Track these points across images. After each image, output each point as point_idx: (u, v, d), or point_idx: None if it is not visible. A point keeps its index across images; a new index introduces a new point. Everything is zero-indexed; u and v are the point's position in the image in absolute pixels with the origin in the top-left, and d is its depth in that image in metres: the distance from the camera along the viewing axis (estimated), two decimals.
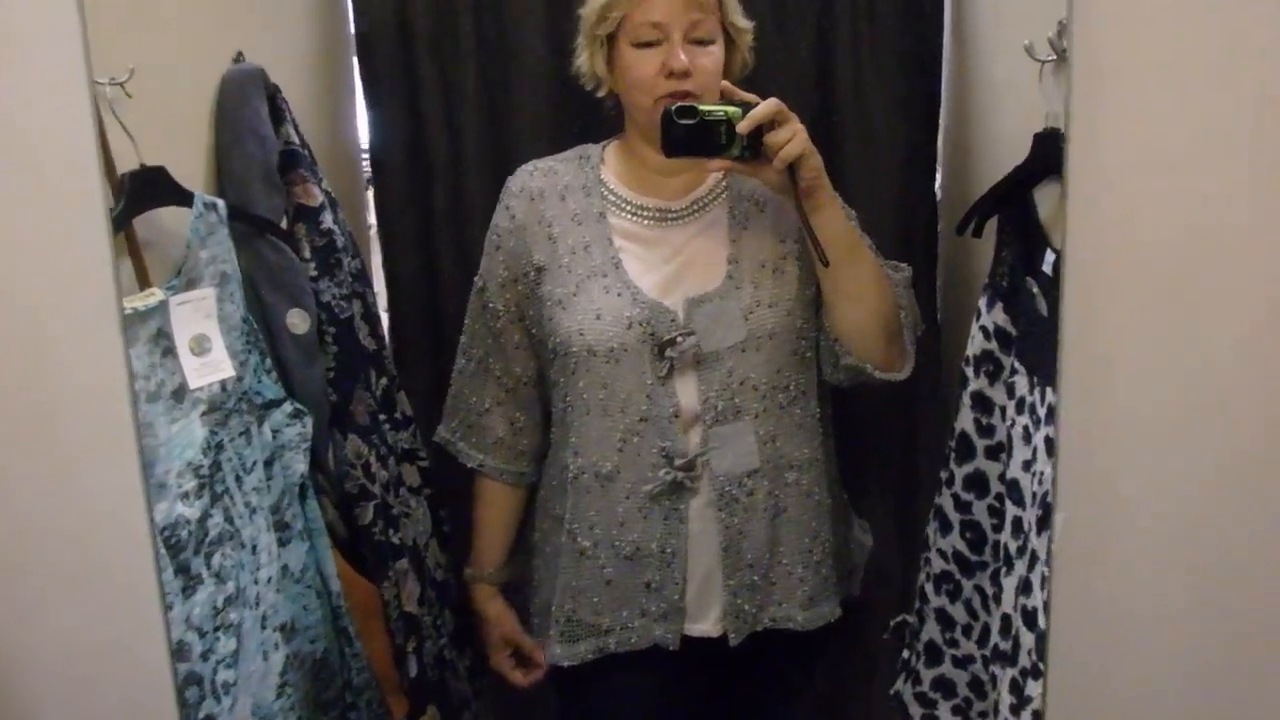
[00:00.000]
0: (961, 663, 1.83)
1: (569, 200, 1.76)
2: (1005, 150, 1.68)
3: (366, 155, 2.20)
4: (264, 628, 1.51)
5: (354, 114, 2.20)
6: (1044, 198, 1.57)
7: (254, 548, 1.51)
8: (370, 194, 2.19)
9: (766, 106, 1.54)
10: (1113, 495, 1.34)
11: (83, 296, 1.31)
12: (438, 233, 2.15)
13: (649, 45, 1.63)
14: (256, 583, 1.50)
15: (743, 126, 1.54)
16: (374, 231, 2.19)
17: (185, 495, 1.40)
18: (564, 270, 1.72)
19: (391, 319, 2.19)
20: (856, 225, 1.75)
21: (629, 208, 1.74)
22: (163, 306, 1.42)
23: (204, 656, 1.40)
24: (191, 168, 1.57)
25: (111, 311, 1.29)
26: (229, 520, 1.47)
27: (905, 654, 1.94)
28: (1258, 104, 1.26)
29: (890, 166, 2.11)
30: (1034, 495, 1.48)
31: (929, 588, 1.85)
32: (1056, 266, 1.46)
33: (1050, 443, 1.43)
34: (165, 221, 1.47)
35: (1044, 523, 1.43)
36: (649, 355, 1.66)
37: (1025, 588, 1.48)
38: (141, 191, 1.41)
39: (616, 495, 1.69)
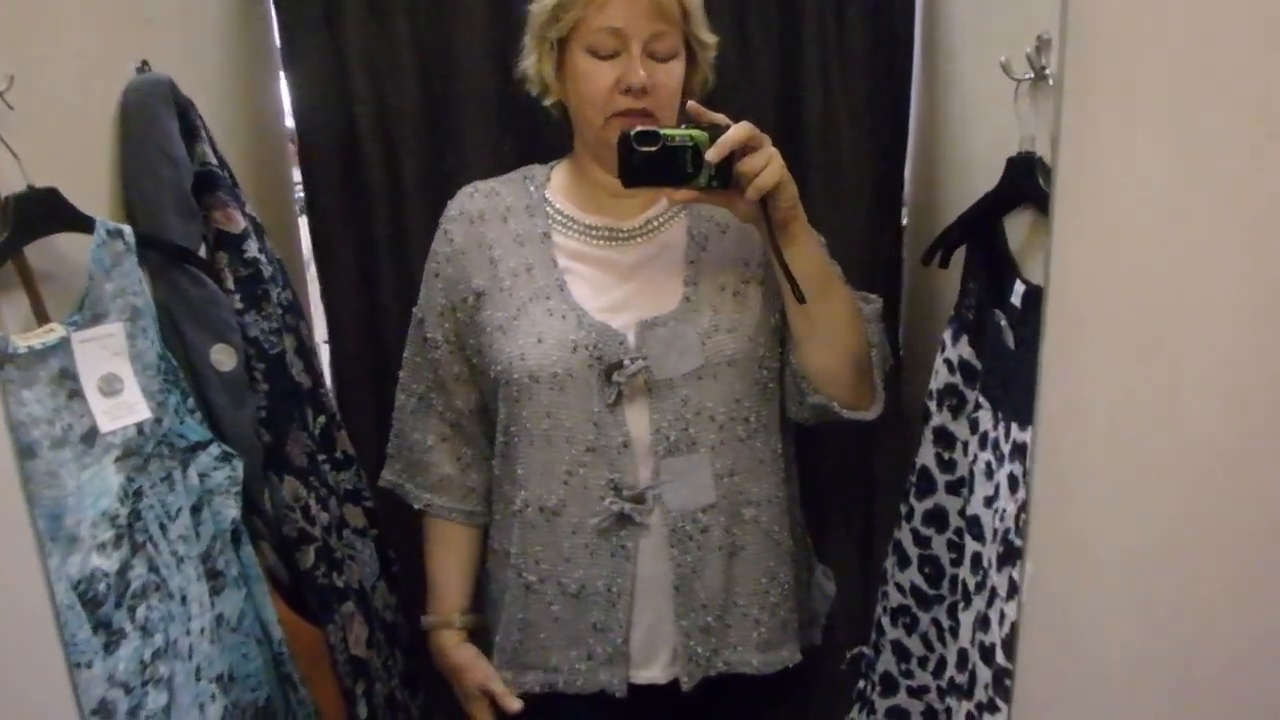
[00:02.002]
0: (916, 693, 1.80)
1: (511, 222, 1.66)
2: (975, 176, 1.62)
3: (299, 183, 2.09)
4: (199, 679, 1.40)
5: (284, 136, 2.10)
6: (1015, 226, 1.51)
7: (183, 598, 1.40)
8: (304, 221, 2.09)
9: (738, 131, 1.42)
10: (1084, 542, 1.25)
11: None
12: (379, 262, 2.07)
13: (605, 56, 1.52)
14: (189, 634, 1.40)
15: (712, 154, 1.40)
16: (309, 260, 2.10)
17: (101, 546, 1.29)
18: (505, 294, 1.62)
19: (332, 353, 2.10)
20: (826, 253, 1.65)
21: (576, 227, 1.64)
22: (64, 344, 1.30)
23: (131, 714, 1.28)
24: (91, 190, 1.44)
25: None
26: (153, 570, 1.36)
27: (861, 684, 1.91)
28: (1258, 129, 1.13)
29: (856, 193, 2.03)
30: (995, 531, 1.43)
31: (885, 621, 1.82)
32: (1026, 298, 1.41)
33: (1014, 480, 1.38)
34: (64, 250, 1.36)
35: (1005, 559, 1.38)
36: (596, 381, 1.55)
37: (983, 623, 1.43)
38: (30, 217, 1.29)
39: (563, 530, 1.60)
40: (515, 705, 1.70)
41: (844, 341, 1.58)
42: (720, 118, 1.44)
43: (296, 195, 2.13)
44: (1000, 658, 1.37)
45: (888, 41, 1.98)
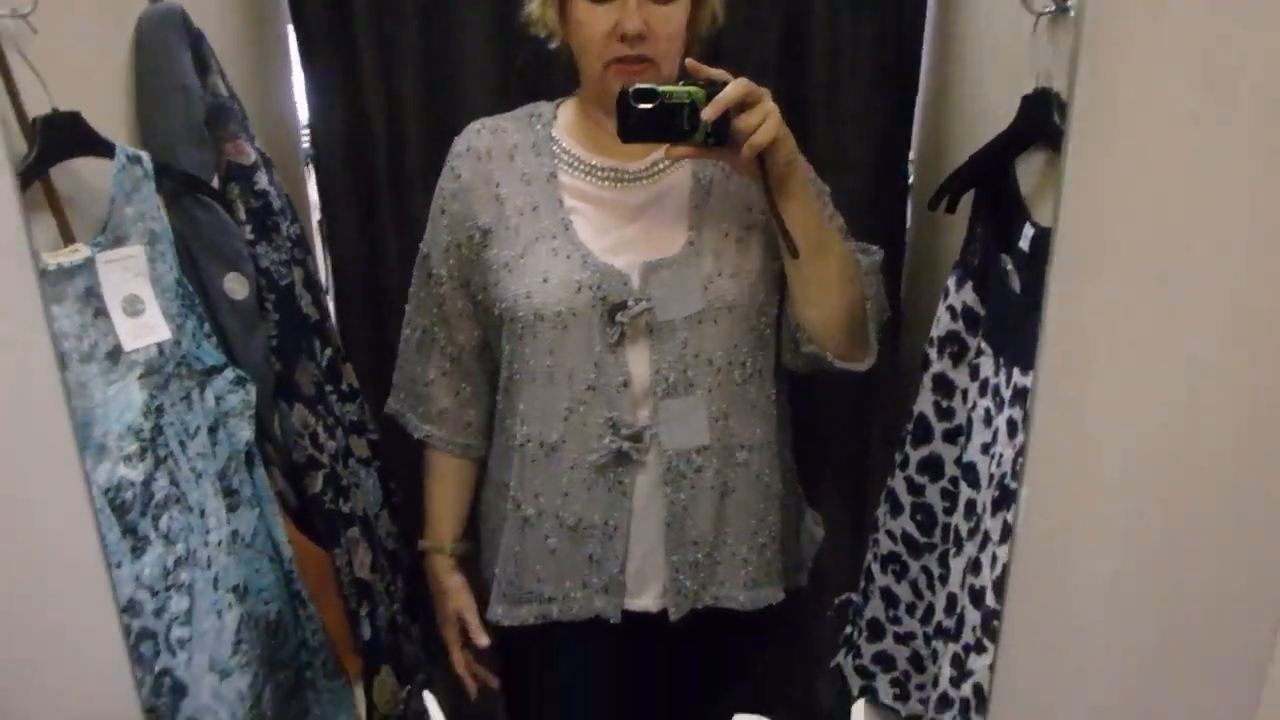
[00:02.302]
0: (903, 639, 1.83)
1: (518, 160, 1.67)
2: (986, 120, 1.60)
3: (306, 130, 2.11)
4: (216, 588, 1.46)
5: (289, 82, 2.12)
6: (1026, 169, 1.50)
7: (202, 512, 1.45)
8: (310, 168, 2.12)
9: (734, 89, 1.41)
10: (1080, 478, 1.28)
11: None
12: (381, 204, 2.09)
13: (603, 1, 1.50)
14: (206, 545, 1.45)
15: (707, 113, 1.41)
16: (315, 204, 2.13)
17: (127, 458, 1.35)
18: (511, 233, 1.63)
19: (337, 294, 2.13)
20: (829, 202, 1.68)
21: (582, 167, 1.64)
22: (89, 264, 1.35)
23: (157, 614, 1.36)
24: (110, 116, 1.47)
25: (27, 265, 1.19)
26: (175, 484, 1.41)
27: (848, 630, 1.95)
28: None
29: (862, 138, 2.02)
30: (991, 477, 1.45)
31: (875, 568, 1.84)
32: (1036, 242, 1.41)
33: (1012, 425, 1.40)
34: (86, 175, 1.40)
35: (1000, 503, 1.40)
36: (599, 321, 1.57)
37: (974, 567, 1.45)
38: (56, 139, 1.33)
39: (561, 465, 1.63)
40: (483, 641, 1.79)
41: (839, 296, 1.59)
42: (719, 73, 1.43)
43: (303, 133, 2.15)
44: (990, 599, 1.39)
45: None
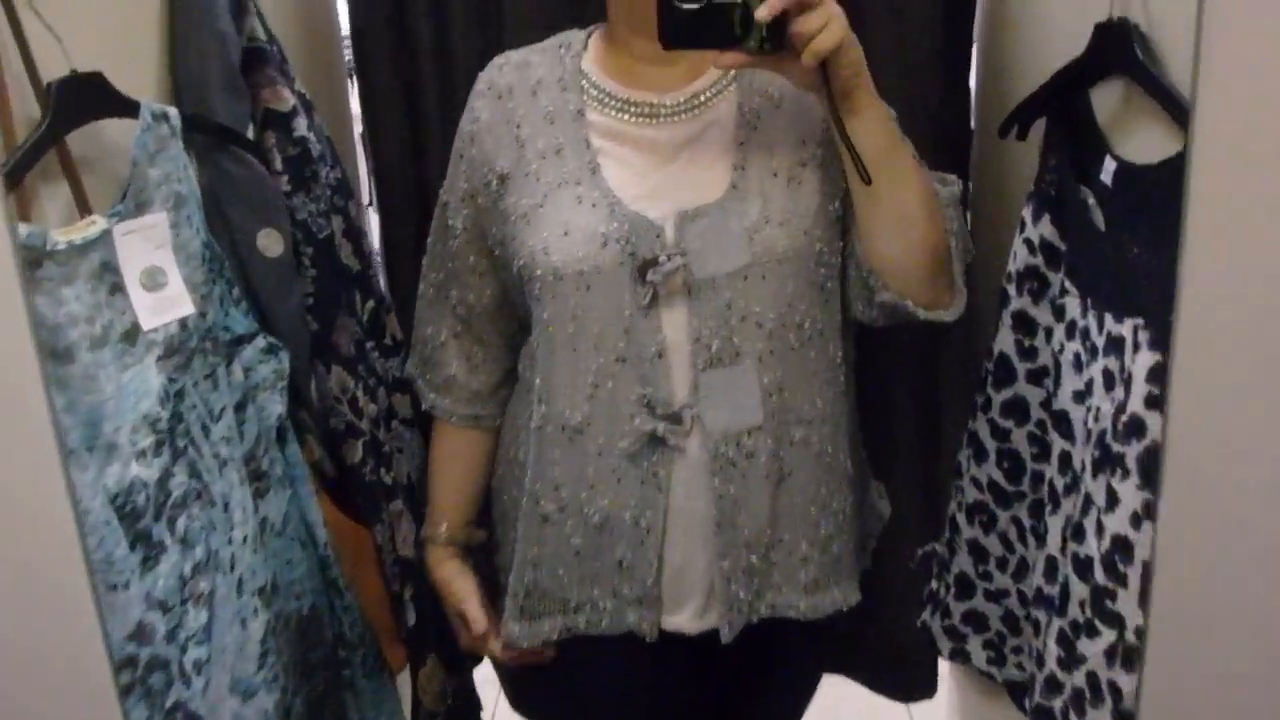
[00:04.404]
0: (995, 596, 1.70)
1: (541, 96, 1.48)
2: (1052, 43, 1.48)
3: (348, 41, 2.00)
4: (241, 593, 1.34)
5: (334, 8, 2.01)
6: (1103, 97, 1.37)
7: (226, 505, 1.34)
8: (354, 86, 2.00)
9: None
10: (1227, 479, 1.10)
11: None
12: (429, 128, 1.95)
13: None
14: (230, 543, 1.33)
15: (762, 13, 1.20)
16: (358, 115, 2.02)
17: (141, 454, 1.22)
18: (531, 178, 1.45)
19: (382, 226, 2.02)
20: (897, 128, 1.44)
21: (613, 103, 1.45)
22: (106, 237, 1.22)
23: (169, 637, 1.22)
24: (136, 72, 1.35)
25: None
26: (195, 477, 1.30)
27: (934, 585, 1.82)
28: None
29: (920, 60, 1.85)
30: (1089, 432, 1.31)
31: (961, 518, 1.71)
32: (1119, 176, 1.28)
33: (1109, 376, 1.25)
34: (107, 136, 1.27)
35: (1102, 464, 1.26)
36: (628, 280, 1.38)
37: (1077, 533, 1.31)
38: (74, 103, 1.19)
39: (586, 452, 1.44)
40: (480, 626, 1.61)
41: (918, 228, 1.38)
42: None
43: (348, 62, 2.04)
44: (1100, 575, 1.26)
45: None
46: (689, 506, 1.43)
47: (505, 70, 1.52)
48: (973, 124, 1.95)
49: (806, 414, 1.45)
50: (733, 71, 1.44)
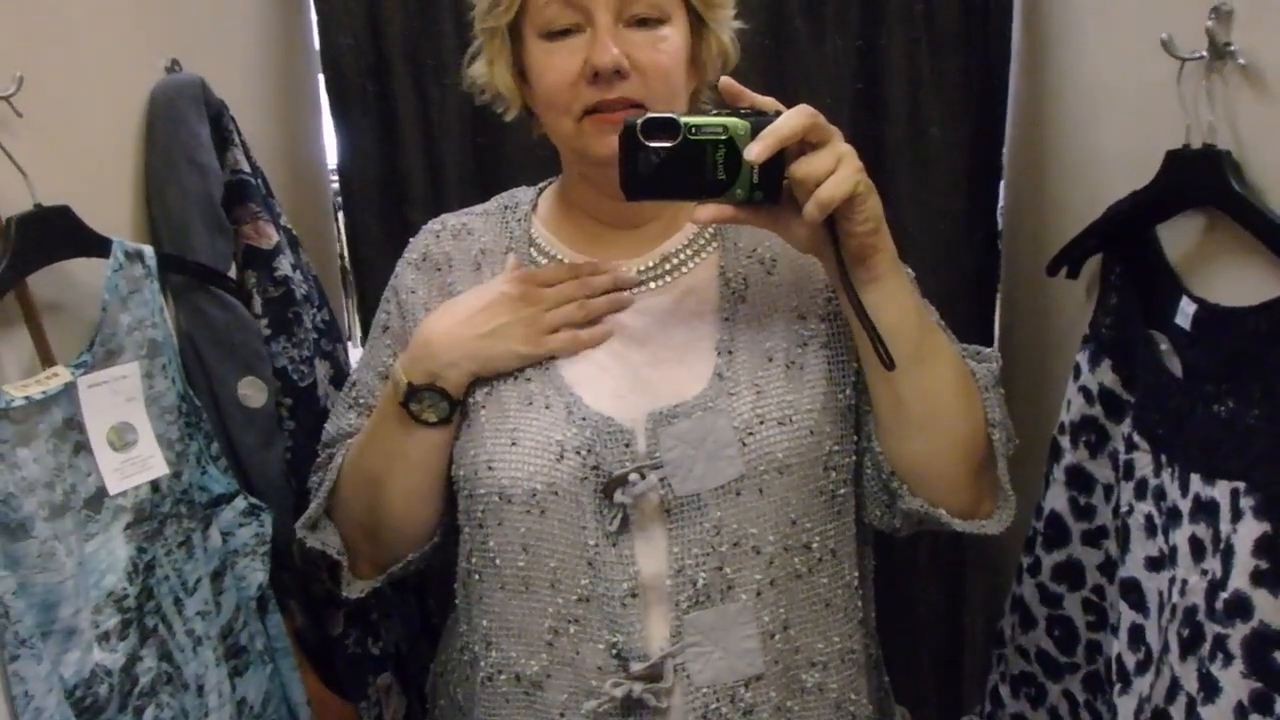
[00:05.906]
0: None
1: (485, 270, 1.28)
2: (1101, 174, 1.39)
3: (335, 176, 1.95)
4: None
5: (319, 131, 1.97)
6: (1173, 232, 1.25)
7: (200, 688, 1.19)
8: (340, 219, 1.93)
9: (794, 118, 1.00)
10: None
11: None
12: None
13: (563, 34, 1.13)
14: None
15: (754, 151, 0.98)
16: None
17: (104, 637, 1.07)
18: None
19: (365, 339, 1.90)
20: (917, 291, 1.23)
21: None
22: (70, 390, 1.09)
23: None
24: (109, 207, 1.26)
25: None
26: (166, 659, 1.16)
27: None
28: None
29: (944, 195, 1.78)
30: (1173, 608, 1.15)
31: (1004, 691, 1.56)
32: (1200, 319, 1.15)
33: (1197, 545, 1.10)
34: (75, 276, 1.17)
35: (1191, 646, 1.10)
36: (591, 502, 1.13)
37: None
38: (37, 240, 1.09)
39: (546, 712, 1.18)
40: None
41: (951, 421, 1.16)
42: (767, 101, 1.03)
43: (335, 199, 1.98)
44: None
45: (981, 14, 1.74)
46: None
47: (442, 238, 1.33)
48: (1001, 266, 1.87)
49: (819, 654, 1.20)
50: (713, 228, 1.25)
